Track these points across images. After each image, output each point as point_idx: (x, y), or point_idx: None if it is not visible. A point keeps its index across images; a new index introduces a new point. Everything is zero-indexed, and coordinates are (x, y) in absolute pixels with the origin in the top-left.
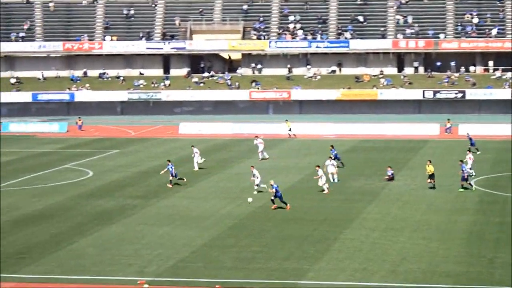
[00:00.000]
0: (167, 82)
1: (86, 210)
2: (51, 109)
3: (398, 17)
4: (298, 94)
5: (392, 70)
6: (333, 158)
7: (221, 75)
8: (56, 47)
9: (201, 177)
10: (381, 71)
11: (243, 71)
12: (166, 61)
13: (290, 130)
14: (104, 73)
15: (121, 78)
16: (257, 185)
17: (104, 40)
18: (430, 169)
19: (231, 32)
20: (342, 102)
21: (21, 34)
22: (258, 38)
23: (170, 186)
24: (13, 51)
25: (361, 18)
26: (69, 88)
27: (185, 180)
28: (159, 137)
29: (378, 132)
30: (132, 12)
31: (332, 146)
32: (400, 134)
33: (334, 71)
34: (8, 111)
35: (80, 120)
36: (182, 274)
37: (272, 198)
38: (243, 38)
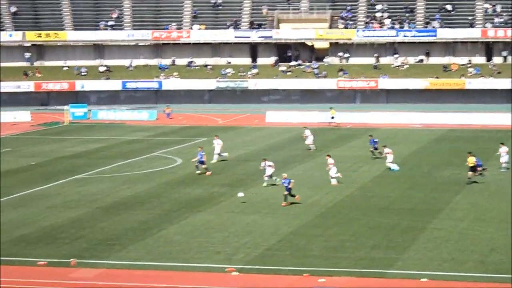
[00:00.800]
0: (255, 71)
1: (174, 198)
2: (139, 97)
3: (486, 6)
4: (385, 83)
5: (480, 60)
6: (372, 148)
7: (308, 64)
8: (145, 35)
9: (288, 165)
10: (469, 60)
11: (330, 60)
12: (253, 50)
13: (333, 118)
14: (192, 62)
15: (209, 66)
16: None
17: (192, 29)
18: (470, 161)
19: (318, 21)
20: (429, 91)
21: (110, 23)
22: (345, 27)
23: (198, 172)
24: (102, 39)
25: (449, 7)
26: (157, 77)
27: (208, 173)
28: (246, 125)
29: (466, 122)
30: (219, 1)
31: (371, 136)
32: (488, 124)
33: (421, 60)
34: (97, 99)
35: (168, 108)
36: (270, 262)
37: (285, 193)
38: (330, 27)
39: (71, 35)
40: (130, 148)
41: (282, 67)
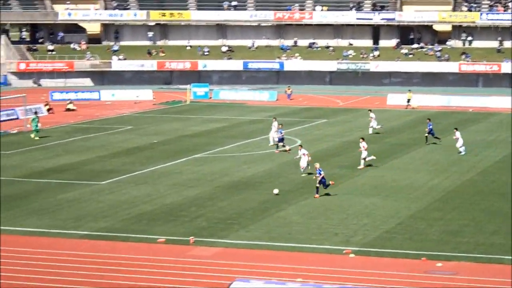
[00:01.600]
0: (376, 53)
1: (293, 178)
2: (260, 78)
3: None
4: (508, 67)
5: None
6: (427, 131)
7: (430, 47)
8: (267, 16)
9: (409, 148)
10: None
11: (453, 43)
12: (375, 32)
13: (408, 101)
14: (313, 43)
15: (331, 48)
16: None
17: (314, 10)
18: None
19: (442, 4)
20: None
21: (233, 3)
22: (469, 10)
23: (277, 152)
24: (225, 19)
25: None
26: (279, 57)
27: (288, 151)
28: (366, 107)
29: None
30: None
31: (429, 119)
32: None
33: None
34: (219, 79)
35: (289, 89)
36: (388, 245)
37: (317, 185)
38: (454, 10)
39: (194, 15)
40: (251, 128)
41: (404, 49)
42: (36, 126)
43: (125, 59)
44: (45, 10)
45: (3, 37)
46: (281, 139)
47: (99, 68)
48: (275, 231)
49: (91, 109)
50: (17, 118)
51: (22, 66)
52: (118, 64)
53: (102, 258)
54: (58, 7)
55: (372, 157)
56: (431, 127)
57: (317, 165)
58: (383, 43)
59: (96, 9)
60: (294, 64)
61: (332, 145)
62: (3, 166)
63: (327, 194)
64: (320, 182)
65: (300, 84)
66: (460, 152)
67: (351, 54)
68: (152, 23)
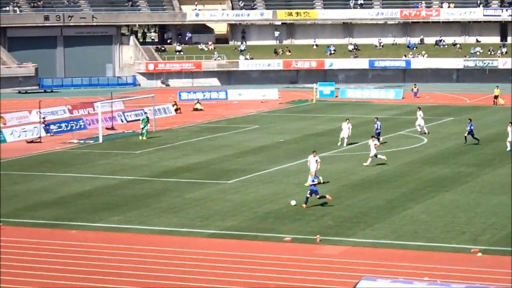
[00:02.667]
0: (504, 50)
1: (420, 177)
2: (387, 76)
3: None
4: None
5: None
6: (468, 131)
7: None
8: (394, 14)
9: None
10: None
11: None
12: (503, 28)
13: (495, 97)
14: (440, 40)
15: (458, 45)
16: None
17: (441, 7)
18: None
19: None
20: None
21: (360, 1)
22: None
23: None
24: (352, 18)
25: None
26: (405, 55)
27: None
28: (493, 105)
29: None
30: None
31: (470, 120)
32: None
33: None
34: (345, 78)
35: (415, 87)
36: None
37: (307, 195)
38: None
39: (321, 14)
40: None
41: None
42: (145, 127)
43: (251, 58)
44: (173, 11)
45: (132, 38)
46: (378, 133)
47: (226, 68)
48: (402, 230)
49: (218, 108)
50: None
51: (151, 67)
52: (245, 63)
53: (230, 257)
54: (186, 8)
55: (383, 157)
56: (471, 127)
57: (312, 172)
58: (511, 39)
59: (223, 9)
60: (421, 62)
61: (459, 143)
62: (133, 166)
63: (323, 204)
64: (311, 192)
65: (427, 82)
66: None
67: (478, 51)
68: (279, 23)
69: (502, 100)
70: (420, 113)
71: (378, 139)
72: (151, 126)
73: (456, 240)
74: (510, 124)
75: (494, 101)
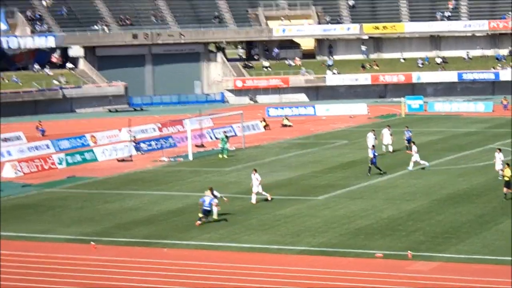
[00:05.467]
0: None
1: None
2: (476, 89)
3: None
4: None
5: None
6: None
7: None
8: (481, 26)
9: None
10: None
11: None
12: None
13: None
14: None
15: None
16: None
17: None
18: (506, 173)
19: None
20: None
21: (447, 14)
22: None
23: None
24: (439, 30)
25: None
26: (494, 67)
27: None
28: None
29: None
30: None
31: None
32: None
33: None
34: (433, 91)
35: (505, 99)
36: None
37: (200, 215)
38: None
39: (408, 27)
40: (466, 140)
41: None
42: (224, 145)
43: (339, 73)
44: (260, 26)
45: (220, 54)
46: (409, 140)
47: (314, 84)
48: (494, 245)
49: (306, 124)
50: (235, 135)
51: (239, 84)
52: (332, 78)
53: (322, 273)
54: (272, 24)
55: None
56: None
57: (207, 192)
58: None
59: (309, 24)
60: (510, 74)
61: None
62: (223, 183)
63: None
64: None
65: None
66: None
67: None
68: (366, 37)
69: None
70: (388, 131)
71: (411, 147)
72: (239, 143)
73: None
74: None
75: None
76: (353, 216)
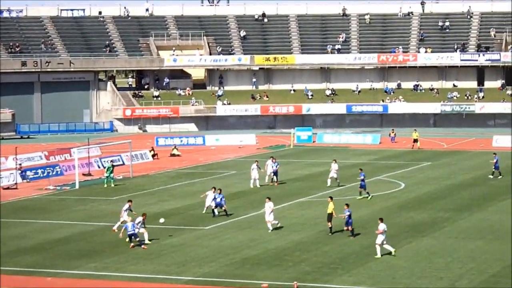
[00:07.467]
0: (481, 94)
1: (397, 222)
2: (364, 121)
3: None
4: None
5: None
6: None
7: None
8: (371, 59)
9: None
10: None
11: None
12: (480, 73)
13: (415, 141)
14: (417, 85)
15: (435, 90)
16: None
17: (418, 52)
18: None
19: None
20: None
21: (337, 47)
22: None
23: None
24: (329, 63)
25: None
26: (382, 100)
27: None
28: (471, 150)
29: None
30: (447, 23)
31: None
32: None
33: None
34: (323, 122)
35: (393, 132)
36: None
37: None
38: None
39: (298, 59)
40: (354, 172)
41: (509, 90)
42: (110, 174)
43: (229, 103)
44: (151, 56)
45: (109, 83)
46: (275, 172)
47: (204, 113)
48: (379, 275)
49: (195, 154)
50: (123, 164)
51: (128, 113)
52: (222, 109)
53: None
54: (163, 53)
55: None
56: (363, 177)
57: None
58: (488, 84)
59: (201, 55)
60: (398, 106)
61: (436, 188)
62: (109, 212)
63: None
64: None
65: (404, 127)
66: None
67: (455, 96)
68: (256, 68)
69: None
70: (334, 166)
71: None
72: (127, 172)
73: (433, 285)
74: (334, 161)
75: (412, 145)
76: (240, 246)
